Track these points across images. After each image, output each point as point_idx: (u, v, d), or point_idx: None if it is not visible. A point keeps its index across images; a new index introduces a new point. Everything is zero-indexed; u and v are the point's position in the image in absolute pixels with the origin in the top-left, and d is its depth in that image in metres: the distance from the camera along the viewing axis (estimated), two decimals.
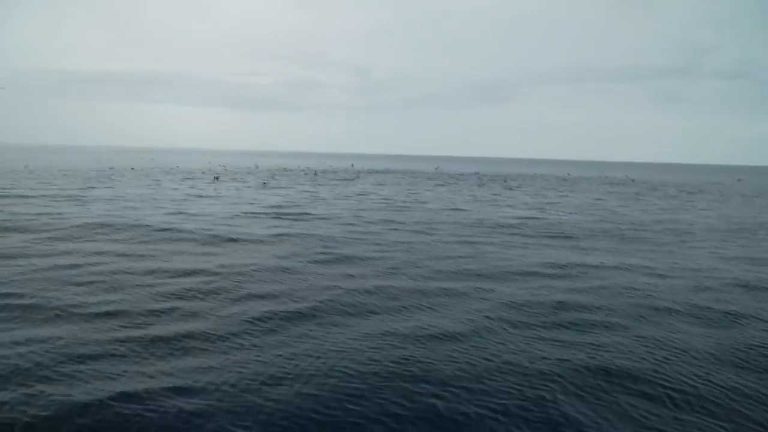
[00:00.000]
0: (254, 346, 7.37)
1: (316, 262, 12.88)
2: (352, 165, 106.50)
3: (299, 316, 8.63)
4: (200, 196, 29.67)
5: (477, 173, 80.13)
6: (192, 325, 8.07)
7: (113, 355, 6.91)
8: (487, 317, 8.81)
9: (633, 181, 69.64)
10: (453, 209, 26.58)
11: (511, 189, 45.79)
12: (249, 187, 38.59)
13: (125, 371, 6.45)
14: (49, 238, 14.85)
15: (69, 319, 8.27)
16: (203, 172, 57.37)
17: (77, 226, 16.69)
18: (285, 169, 75.47)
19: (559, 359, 7.11)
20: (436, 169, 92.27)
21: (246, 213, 22.16)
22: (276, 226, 18.47)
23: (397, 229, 18.71)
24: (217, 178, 46.47)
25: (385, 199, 31.74)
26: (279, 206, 25.28)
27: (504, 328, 8.32)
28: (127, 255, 13.03)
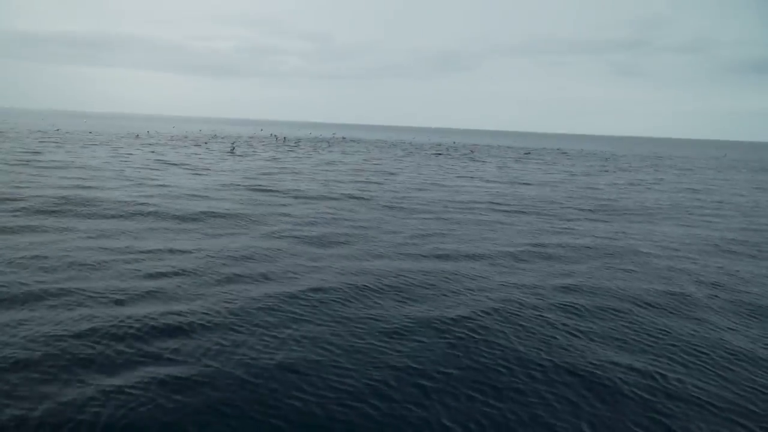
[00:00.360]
0: (237, 329, 7.10)
1: (293, 237, 12.58)
2: (334, 134, 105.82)
3: (283, 299, 8.37)
4: (167, 164, 28.64)
5: (453, 144, 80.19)
6: (172, 307, 7.72)
7: (91, 341, 6.53)
8: (475, 299, 8.77)
9: (642, 156, 70.96)
10: (425, 182, 26.47)
11: (475, 161, 46.07)
12: (214, 153, 37.47)
13: (105, 359, 6.11)
14: (4, 210, 14.02)
15: (43, 300, 7.79)
16: (171, 138, 55.47)
17: (36, 197, 15.82)
18: (251, 137, 73.79)
19: (547, 335, 7.14)
20: (414, 139, 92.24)
21: (216, 183, 21.49)
22: (248, 199, 17.98)
23: (371, 203, 18.48)
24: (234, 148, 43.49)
25: (356, 170, 31.37)
26: (248, 177, 24.66)
27: (494, 309, 8.29)
28: (93, 230, 12.42)
